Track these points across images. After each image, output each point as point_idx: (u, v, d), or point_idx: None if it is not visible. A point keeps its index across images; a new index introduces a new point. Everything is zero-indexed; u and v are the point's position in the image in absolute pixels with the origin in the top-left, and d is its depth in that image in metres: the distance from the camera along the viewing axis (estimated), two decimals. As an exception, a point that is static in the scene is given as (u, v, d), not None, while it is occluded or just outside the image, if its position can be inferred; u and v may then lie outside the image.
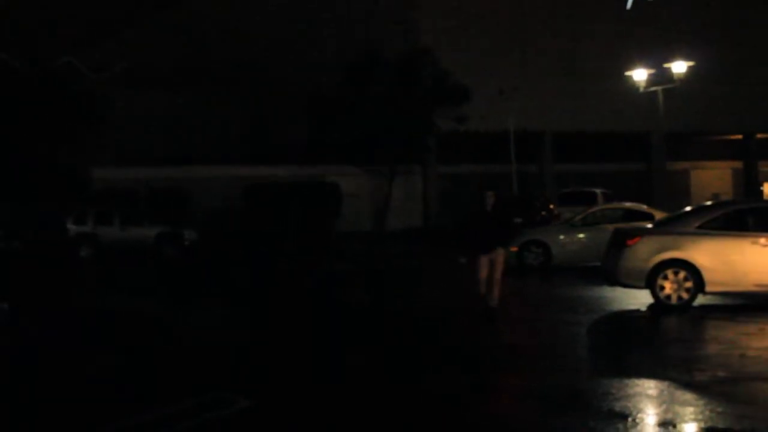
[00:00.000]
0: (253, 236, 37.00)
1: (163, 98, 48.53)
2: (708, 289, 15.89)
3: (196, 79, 49.01)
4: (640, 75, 42.21)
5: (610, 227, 19.72)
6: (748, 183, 59.20)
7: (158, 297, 21.08)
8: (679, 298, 15.88)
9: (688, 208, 18.65)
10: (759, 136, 58.89)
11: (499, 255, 15.21)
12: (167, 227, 35.18)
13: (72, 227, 34.22)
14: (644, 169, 56.40)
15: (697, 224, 16.30)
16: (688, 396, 9.49)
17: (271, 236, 36.50)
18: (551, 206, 38.58)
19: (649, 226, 18.05)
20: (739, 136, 59.38)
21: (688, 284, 15.85)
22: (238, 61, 50.15)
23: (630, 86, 43.84)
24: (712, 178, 59.99)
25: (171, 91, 48.49)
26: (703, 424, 8.40)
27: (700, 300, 16.17)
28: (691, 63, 40.73)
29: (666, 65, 40.85)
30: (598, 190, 38.09)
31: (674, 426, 8.36)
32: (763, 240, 15.70)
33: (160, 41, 51.40)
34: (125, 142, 45.38)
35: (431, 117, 41.06)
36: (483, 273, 15.16)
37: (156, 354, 12.93)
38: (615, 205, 27.18)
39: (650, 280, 16.04)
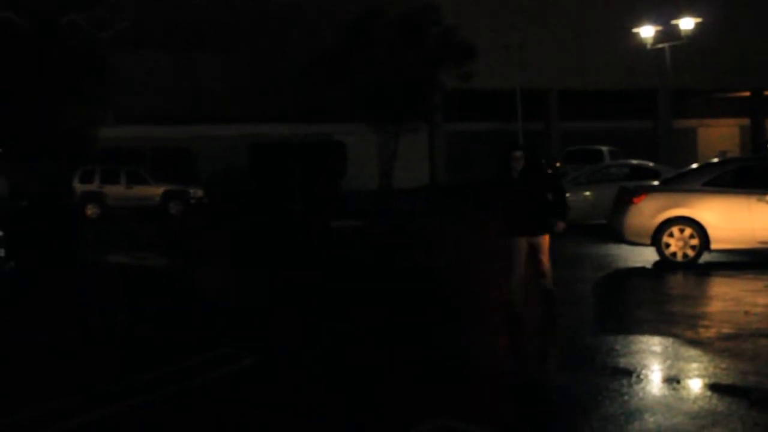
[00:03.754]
0: (259, 195, 37.04)
1: (166, 58, 48.33)
2: (713, 246, 15.89)
3: (199, 39, 48.77)
4: (647, 32, 41.91)
5: (617, 185, 19.68)
6: (755, 140, 58.98)
7: (165, 254, 21.17)
8: (685, 255, 15.88)
9: (694, 166, 18.62)
10: (766, 93, 58.62)
11: (543, 240, 11.59)
12: (173, 185, 35.24)
13: (78, 186, 34.31)
14: (651, 126, 56.25)
15: (703, 181, 16.28)
16: (693, 352, 9.52)
17: (277, 195, 36.53)
18: (558, 164, 38.49)
19: (655, 183, 18.01)
20: (747, 94, 59.11)
21: (694, 241, 15.85)
22: (240, 21, 49.89)
23: (637, 43, 43.57)
24: (719, 136, 59.82)
25: (173, 51, 48.28)
26: (707, 380, 8.43)
27: (706, 257, 16.17)
28: (698, 19, 40.43)
29: (674, 22, 40.57)
30: (604, 148, 37.93)
31: (678, 382, 8.39)
32: None
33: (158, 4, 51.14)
34: (129, 102, 45.23)
35: (436, 74, 40.84)
36: (521, 261, 11.66)
37: (162, 311, 12.99)
38: (621, 162, 27.12)
39: (656, 237, 16.03)
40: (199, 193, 35.37)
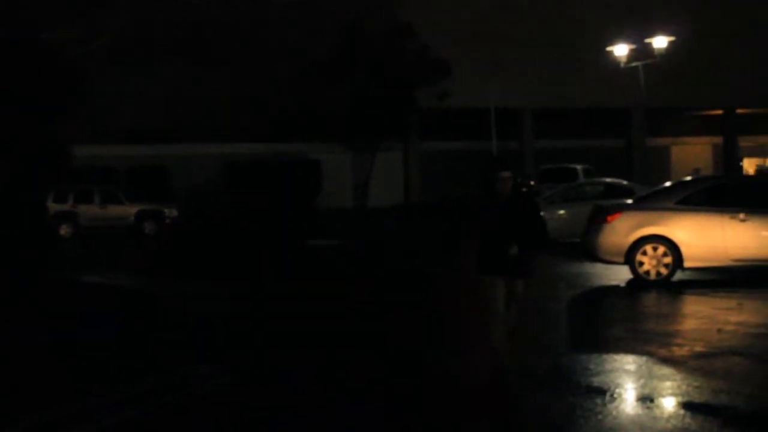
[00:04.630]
0: (234, 214, 36.97)
1: (142, 75, 48.20)
2: (687, 264, 15.97)
3: (175, 55, 48.69)
4: (621, 50, 42.19)
5: (591, 203, 19.76)
6: (727, 158, 59.35)
7: (139, 273, 21.06)
8: (658, 273, 15.94)
9: (667, 184, 18.72)
10: (739, 111, 59.01)
11: (520, 286, 9.57)
12: (147, 205, 35.12)
13: (52, 205, 34.13)
14: (625, 145, 56.49)
15: (676, 200, 16.37)
16: (666, 371, 9.54)
17: (252, 214, 36.47)
18: (532, 183, 38.64)
19: (629, 201, 18.10)
20: (720, 112, 59.49)
21: (667, 260, 15.92)
22: (218, 39, 49.85)
23: (611, 62, 43.81)
24: (693, 154, 60.14)
25: (151, 66, 48.16)
26: (680, 399, 8.46)
27: (679, 275, 16.24)
28: (672, 38, 40.73)
29: (647, 40, 40.84)
30: (578, 166, 38.14)
31: (652, 401, 8.41)
32: (741, 215, 15.76)
33: (139, 16, 50.99)
34: (105, 119, 45.05)
35: (412, 93, 40.94)
36: (502, 304, 9.42)
37: (136, 328, 12.90)
38: (595, 180, 27.26)
39: (629, 255, 16.09)
40: (174, 212, 35.26)
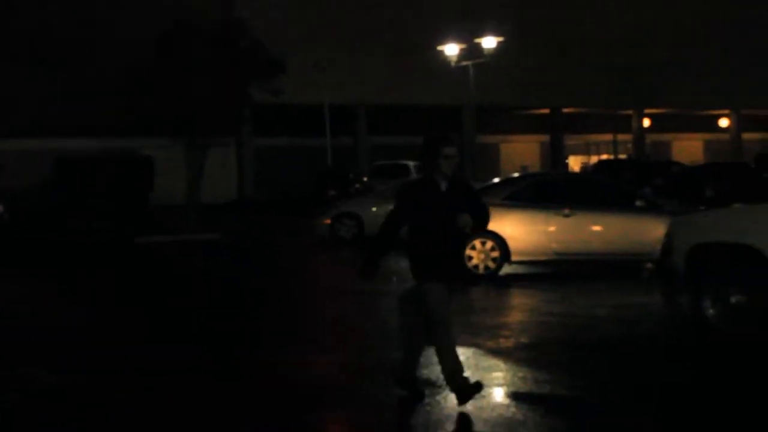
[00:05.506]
0: (63, 210, 35.95)
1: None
2: (514, 258, 16.40)
3: (8, 51, 47.23)
4: (451, 49, 42.97)
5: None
6: (554, 156, 61.18)
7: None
8: (486, 267, 16.31)
9: (495, 180, 19.18)
10: (565, 110, 60.87)
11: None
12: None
13: None
14: (457, 142, 57.52)
15: (503, 196, 16.80)
16: (492, 362, 9.80)
17: (81, 210, 35.54)
18: (365, 178, 38.99)
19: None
20: (547, 111, 61.23)
21: (495, 254, 16.30)
22: (50, 33, 48.51)
23: (443, 61, 44.56)
24: (521, 152, 61.74)
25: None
26: (506, 389, 8.70)
27: (507, 269, 16.65)
28: (500, 38, 41.71)
29: (477, 40, 41.71)
30: (411, 163, 38.67)
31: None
32: (565, 210, 16.28)
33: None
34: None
35: (246, 89, 40.65)
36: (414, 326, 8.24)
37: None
38: (427, 177, 27.61)
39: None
40: (0, 209, 33.99)
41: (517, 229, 16.34)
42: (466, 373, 8.14)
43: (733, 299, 10.31)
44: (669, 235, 11.69)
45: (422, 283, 7.90)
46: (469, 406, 8.03)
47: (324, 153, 47.10)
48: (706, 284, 10.57)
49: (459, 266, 8.26)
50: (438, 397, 8.34)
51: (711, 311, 10.51)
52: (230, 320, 13.07)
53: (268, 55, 40.43)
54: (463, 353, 10.06)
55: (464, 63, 42.67)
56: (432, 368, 9.42)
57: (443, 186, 7.86)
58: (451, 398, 8.32)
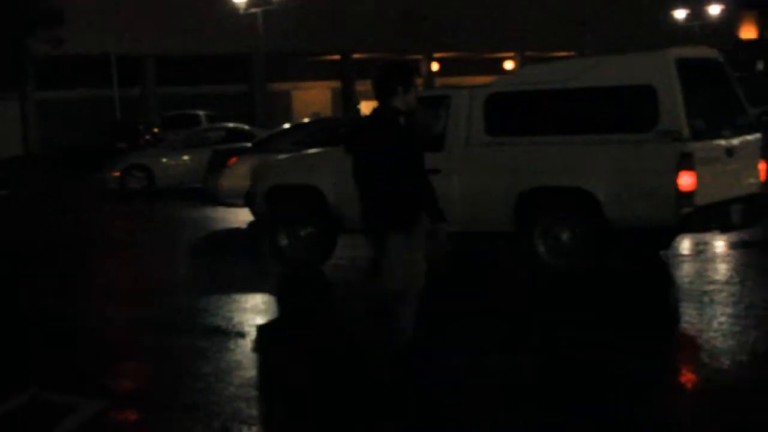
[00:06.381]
0: None
1: None
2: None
3: None
4: (238, -4, 42.55)
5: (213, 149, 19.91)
6: (346, 102, 61.55)
7: None
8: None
9: (285, 126, 19.23)
10: (355, 56, 61.25)
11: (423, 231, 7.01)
12: None
13: None
14: (247, 90, 57.07)
15: (292, 141, 16.85)
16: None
17: None
18: (155, 130, 38.32)
19: (248, 145, 18.41)
20: (337, 57, 61.48)
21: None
22: None
23: (231, 8, 44.05)
24: (313, 98, 61.81)
25: None
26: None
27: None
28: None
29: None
30: (201, 113, 38.26)
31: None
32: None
33: None
34: None
35: (23, 40, 39.12)
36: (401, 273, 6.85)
37: None
38: (217, 126, 27.44)
39: (249, 197, 16.40)
40: None
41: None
42: (259, 323, 8.18)
43: (302, 233, 11.41)
44: (253, 179, 12.48)
45: (383, 233, 6.77)
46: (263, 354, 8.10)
47: (112, 105, 45.99)
48: (280, 221, 11.51)
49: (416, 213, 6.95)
50: (229, 344, 8.37)
51: (284, 243, 11.43)
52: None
53: (47, 5, 39.05)
54: (259, 300, 10.15)
55: (253, 10, 42.32)
56: (220, 315, 9.45)
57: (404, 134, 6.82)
58: (241, 344, 8.37)
